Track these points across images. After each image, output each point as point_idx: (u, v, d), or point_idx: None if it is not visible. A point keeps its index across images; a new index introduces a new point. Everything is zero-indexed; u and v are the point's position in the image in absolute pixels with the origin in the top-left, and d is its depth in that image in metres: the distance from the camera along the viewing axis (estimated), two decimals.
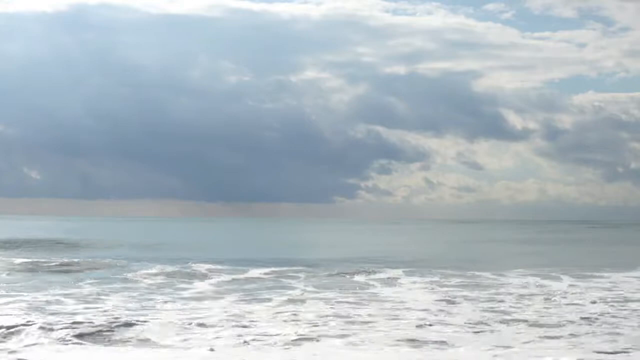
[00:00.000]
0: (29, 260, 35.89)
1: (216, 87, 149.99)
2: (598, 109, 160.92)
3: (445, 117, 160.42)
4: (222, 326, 16.73)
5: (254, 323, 17.21)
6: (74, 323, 16.50)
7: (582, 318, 18.48)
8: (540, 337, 15.94)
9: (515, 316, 18.81)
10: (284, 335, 15.67)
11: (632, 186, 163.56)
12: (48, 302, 20.49)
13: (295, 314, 18.59)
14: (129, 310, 19.06)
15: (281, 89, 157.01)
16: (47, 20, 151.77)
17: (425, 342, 15.16)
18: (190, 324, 16.93)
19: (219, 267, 33.00)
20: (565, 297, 22.90)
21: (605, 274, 31.15)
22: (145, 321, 17.08)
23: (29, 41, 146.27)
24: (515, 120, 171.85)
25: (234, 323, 17.16)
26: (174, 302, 21.12)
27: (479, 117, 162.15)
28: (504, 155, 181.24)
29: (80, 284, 25.69)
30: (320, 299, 22.07)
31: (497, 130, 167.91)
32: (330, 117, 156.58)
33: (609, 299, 22.44)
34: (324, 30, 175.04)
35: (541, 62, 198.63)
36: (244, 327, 16.74)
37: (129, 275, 29.16)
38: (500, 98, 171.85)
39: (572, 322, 18.01)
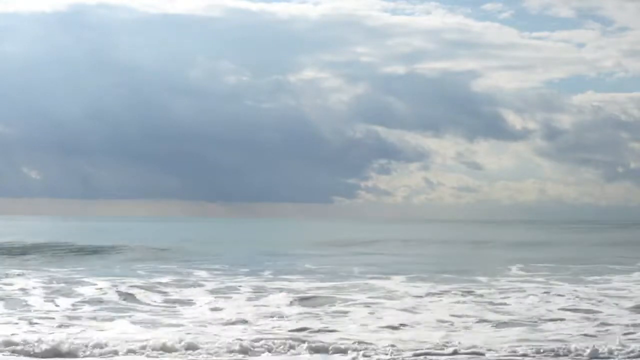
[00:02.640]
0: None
1: (215, 87, 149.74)
2: (597, 109, 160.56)
3: (445, 117, 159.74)
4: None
5: None
6: None
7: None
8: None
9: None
10: None
11: (632, 186, 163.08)
12: None
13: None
14: None
15: (280, 88, 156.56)
16: (46, 20, 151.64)
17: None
18: None
19: None
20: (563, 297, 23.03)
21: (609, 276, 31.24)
22: None
23: (27, 41, 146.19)
24: (514, 120, 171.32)
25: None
26: None
27: (478, 117, 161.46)
28: (503, 155, 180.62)
29: None
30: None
31: (497, 130, 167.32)
32: (330, 117, 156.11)
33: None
34: (322, 30, 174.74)
35: (540, 62, 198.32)
36: None
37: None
38: (499, 98, 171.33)
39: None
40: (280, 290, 24.44)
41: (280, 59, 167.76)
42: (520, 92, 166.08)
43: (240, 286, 25.75)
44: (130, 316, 18.64)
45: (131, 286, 24.93)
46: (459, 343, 15.07)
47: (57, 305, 20.47)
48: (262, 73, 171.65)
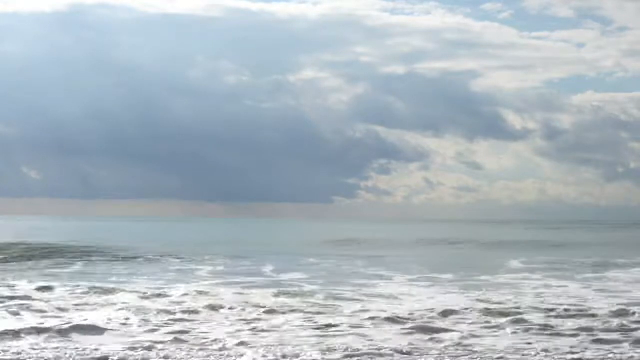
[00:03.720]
0: None
1: (215, 87, 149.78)
2: (597, 109, 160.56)
3: (445, 117, 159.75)
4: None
5: None
6: None
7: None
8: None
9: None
10: None
11: (632, 186, 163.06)
12: None
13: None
14: None
15: (280, 88, 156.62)
16: (46, 20, 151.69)
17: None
18: None
19: None
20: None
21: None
22: None
23: (27, 41, 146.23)
24: (514, 120, 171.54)
25: None
26: None
27: (478, 117, 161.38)
28: (503, 155, 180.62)
29: None
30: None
31: (497, 130, 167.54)
32: (329, 117, 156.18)
33: None
34: (322, 30, 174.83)
35: (540, 62, 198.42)
36: None
37: None
38: (499, 98, 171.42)
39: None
40: (276, 286, 24.50)
41: (280, 59, 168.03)
42: (520, 92, 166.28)
43: (231, 283, 25.82)
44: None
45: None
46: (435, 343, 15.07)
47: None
48: (262, 73, 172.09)
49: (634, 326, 16.75)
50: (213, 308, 19.07)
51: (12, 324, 16.38)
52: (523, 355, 13.79)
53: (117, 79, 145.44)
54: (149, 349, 13.87)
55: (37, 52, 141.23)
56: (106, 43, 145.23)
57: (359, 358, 13.46)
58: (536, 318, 17.83)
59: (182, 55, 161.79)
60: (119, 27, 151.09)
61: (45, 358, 13.20)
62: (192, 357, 13.40)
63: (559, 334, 15.90)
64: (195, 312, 18.53)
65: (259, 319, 17.43)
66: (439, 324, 16.97)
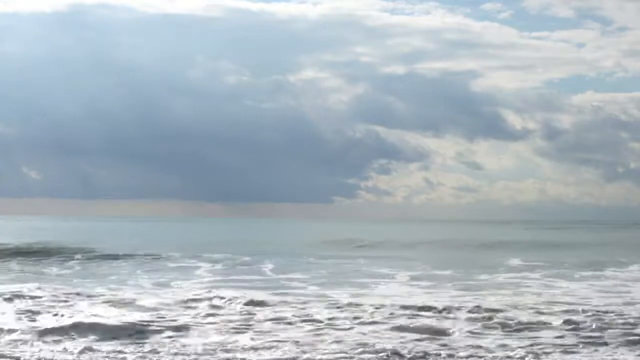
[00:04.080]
0: None
1: (215, 87, 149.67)
2: (597, 109, 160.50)
3: (445, 117, 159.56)
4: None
5: None
6: None
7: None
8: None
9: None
10: None
11: (632, 186, 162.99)
12: None
13: None
14: None
15: (280, 88, 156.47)
16: (46, 20, 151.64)
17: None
18: None
19: None
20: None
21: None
22: None
23: (27, 41, 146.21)
24: (514, 120, 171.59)
25: None
26: None
27: (478, 117, 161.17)
28: (503, 155, 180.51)
29: None
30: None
31: (497, 130, 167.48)
32: (329, 117, 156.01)
33: None
34: (322, 30, 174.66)
35: (540, 62, 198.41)
36: None
37: None
38: (499, 98, 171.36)
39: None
40: (275, 286, 24.50)
41: (280, 59, 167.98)
42: (520, 92, 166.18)
43: (231, 282, 25.81)
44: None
45: None
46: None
47: None
48: (262, 73, 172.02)
49: (631, 322, 16.78)
50: (212, 307, 19.11)
51: (11, 323, 16.39)
52: (517, 353, 13.81)
53: (117, 79, 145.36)
54: (152, 350, 13.88)
55: (37, 52, 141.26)
56: (106, 43, 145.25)
57: (357, 358, 13.50)
58: (533, 317, 17.85)
59: (182, 55, 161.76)
60: (119, 27, 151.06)
61: (44, 358, 13.20)
62: (192, 356, 13.42)
63: (555, 333, 15.93)
64: (195, 310, 18.55)
65: (258, 319, 17.42)
66: (436, 323, 16.97)
